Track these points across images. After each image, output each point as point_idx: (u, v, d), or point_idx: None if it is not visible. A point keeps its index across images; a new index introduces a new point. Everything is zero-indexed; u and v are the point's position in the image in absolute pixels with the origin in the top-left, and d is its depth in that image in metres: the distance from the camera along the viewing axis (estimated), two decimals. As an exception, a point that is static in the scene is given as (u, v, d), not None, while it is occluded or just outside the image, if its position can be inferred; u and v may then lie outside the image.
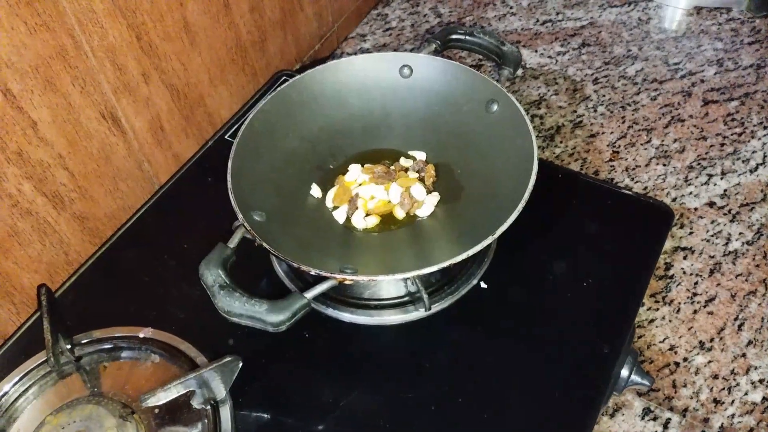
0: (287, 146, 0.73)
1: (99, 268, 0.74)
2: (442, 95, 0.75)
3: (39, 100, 0.67)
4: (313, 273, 0.58)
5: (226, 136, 0.87)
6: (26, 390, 0.63)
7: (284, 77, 0.92)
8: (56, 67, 0.67)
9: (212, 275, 0.58)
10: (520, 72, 1.16)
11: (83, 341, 0.65)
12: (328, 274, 0.58)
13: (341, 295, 0.69)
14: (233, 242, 0.61)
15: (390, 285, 0.69)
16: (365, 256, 0.67)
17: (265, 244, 0.59)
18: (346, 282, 0.61)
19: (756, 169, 1.03)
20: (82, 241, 0.77)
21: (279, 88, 0.74)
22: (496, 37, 0.79)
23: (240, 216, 0.61)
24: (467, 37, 0.80)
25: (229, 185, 0.64)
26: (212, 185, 0.79)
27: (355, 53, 1.18)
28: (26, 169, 0.68)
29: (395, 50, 1.19)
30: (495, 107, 0.72)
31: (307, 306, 0.58)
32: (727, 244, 0.95)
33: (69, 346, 0.63)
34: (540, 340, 0.68)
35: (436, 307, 0.68)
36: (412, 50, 1.15)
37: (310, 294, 0.58)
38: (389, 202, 0.71)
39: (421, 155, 0.75)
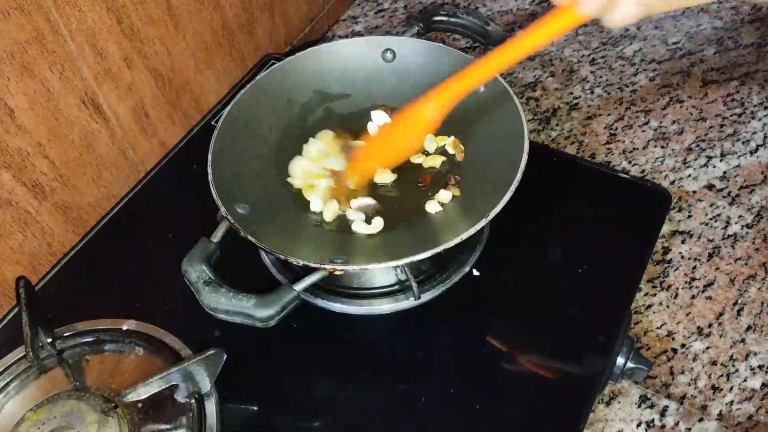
0: (269, 135, 0.71)
1: (82, 258, 0.73)
2: (427, 78, 0.72)
3: (15, 87, 0.65)
4: (301, 264, 0.56)
5: (213, 122, 0.84)
6: (6, 385, 0.61)
7: (273, 61, 0.90)
8: (33, 52, 0.65)
9: (196, 271, 0.56)
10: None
11: (65, 334, 0.64)
12: (318, 265, 0.57)
13: (329, 285, 0.67)
14: (216, 236, 0.60)
15: (380, 273, 0.67)
16: (354, 244, 0.65)
17: (250, 238, 0.57)
18: (336, 272, 0.59)
19: (756, 150, 1.01)
20: (65, 231, 0.75)
21: (258, 76, 0.72)
22: (480, 17, 0.77)
23: (222, 209, 0.59)
24: (450, 18, 0.78)
25: (210, 177, 0.62)
26: (198, 173, 0.77)
27: (347, 36, 1.16)
28: (4, 158, 0.66)
29: (387, 33, 1.16)
30: (482, 88, 0.70)
31: (297, 299, 0.56)
32: (726, 227, 0.93)
33: (50, 340, 0.62)
34: (534, 328, 0.66)
35: (427, 296, 0.66)
36: (403, 33, 1.13)
37: (299, 286, 0.57)
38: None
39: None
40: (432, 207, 0.66)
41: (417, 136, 0.64)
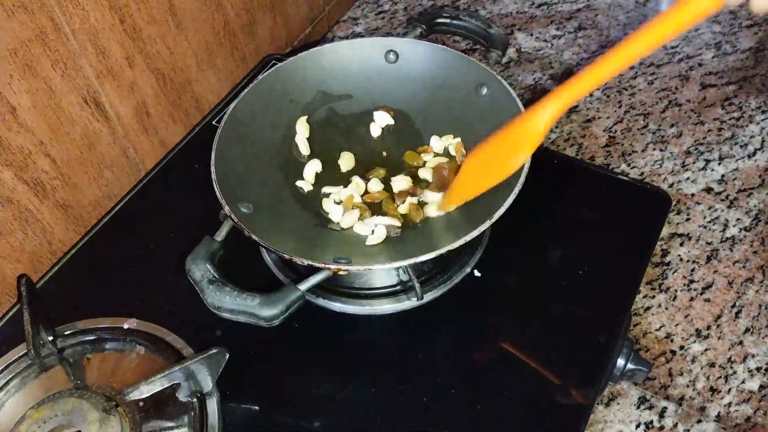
0: (271, 135, 0.71)
1: (83, 257, 0.72)
2: (430, 80, 0.73)
3: (18, 85, 0.65)
4: (305, 264, 0.56)
5: (213, 122, 0.85)
6: (7, 383, 0.61)
7: (274, 61, 0.90)
8: (36, 51, 0.65)
9: (200, 270, 0.56)
10: (515, 55, 1.14)
11: (66, 332, 0.64)
12: (322, 265, 0.57)
13: (332, 285, 0.67)
14: (220, 235, 0.60)
15: (382, 274, 0.67)
16: (358, 244, 0.65)
17: (254, 237, 0.57)
18: (341, 272, 0.59)
19: (754, 154, 1.01)
20: (66, 229, 0.75)
21: (260, 77, 0.72)
22: (483, 20, 0.77)
23: (226, 208, 0.59)
24: (453, 21, 0.78)
25: (214, 176, 0.62)
26: (199, 172, 0.77)
27: (347, 37, 1.16)
28: (6, 156, 0.66)
29: (388, 34, 1.17)
30: (485, 90, 0.70)
31: (302, 298, 0.56)
32: (724, 230, 0.93)
33: (51, 338, 0.62)
34: (535, 329, 0.67)
35: (428, 296, 0.66)
36: (405, 35, 1.13)
37: (304, 286, 0.57)
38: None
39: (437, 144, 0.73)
40: (430, 211, 0.67)
41: (526, 149, 0.55)
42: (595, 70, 0.48)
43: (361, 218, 0.66)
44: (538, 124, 0.52)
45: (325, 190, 0.69)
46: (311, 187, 0.70)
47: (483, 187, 0.60)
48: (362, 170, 0.71)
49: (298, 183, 0.70)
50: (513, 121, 0.55)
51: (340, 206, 0.67)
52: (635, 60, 0.46)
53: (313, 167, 0.70)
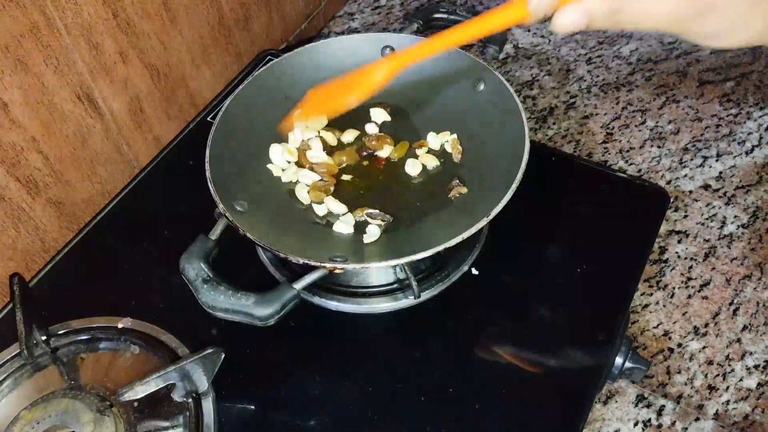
0: (267, 132, 0.70)
1: (76, 255, 0.72)
2: (427, 76, 0.72)
3: (9, 80, 0.64)
4: (301, 263, 0.56)
5: (208, 118, 0.84)
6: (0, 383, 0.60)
7: (269, 57, 0.89)
8: (28, 46, 0.64)
9: (194, 269, 0.56)
10: (512, 51, 1.14)
11: (59, 332, 0.63)
12: (318, 264, 0.56)
13: (328, 283, 0.67)
14: (215, 233, 0.59)
15: (379, 272, 0.67)
16: (354, 242, 0.64)
17: (249, 235, 0.57)
18: (337, 271, 0.59)
19: (752, 150, 1.01)
20: (59, 227, 0.74)
21: (256, 73, 0.71)
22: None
23: (221, 206, 0.59)
24: (450, 16, 0.78)
25: (208, 174, 0.61)
26: (194, 169, 0.76)
27: (343, 32, 1.15)
28: (-3, 152, 0.65)
29: (384, 29, 1.16)
30: (482, 86, 0.69)
31: (297, 297, 0.56)
32: (722, 227, 0.93)
33: (44, 338, 0.61)
34: (533, 327, 0.66)
35: (425, 295, 0.66)
36: (401, 30, 1.13)
37: (299, 285, 0.56)
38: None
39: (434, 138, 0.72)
40: (413, 169, 0.68)
41: (360, 94, 0.62)
42: (428, 45, 0.56)
43: (318, 200, 0.66)
44: (374, 79, 0.59)
45: (299, 176, 0.68)
46: (280, 172, 0.69)
47: (325, 111, 0.67)
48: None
49: (269, 166, 0.69)
50: (359, 71, 0.61)
51: (308, 194, 0.67)
52: (458, 44, 0.54)
53: (279, 150, 0.69)
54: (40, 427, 0.54)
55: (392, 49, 0.74)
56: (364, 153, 0.71)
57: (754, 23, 0.42)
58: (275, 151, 0.69)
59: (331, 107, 0.65)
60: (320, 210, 0.66)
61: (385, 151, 0.70)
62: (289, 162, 0.70)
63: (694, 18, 0.42)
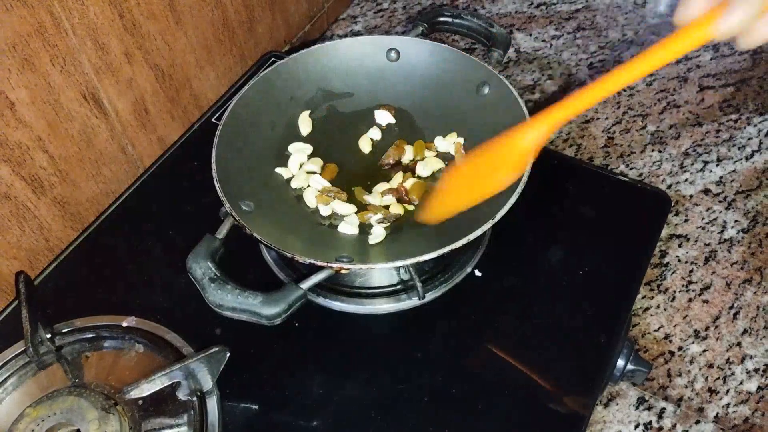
0: (272, 133, 0.71)
1: (81, 254, 0.72)
2: (431, 78, 0.73)
3: (17, 80, 0.64)
4: (308, 263, 0.56)
5: (212, 119, 0.84)
6: (4, 381, 0.60)
7: (273, 59, 0.90)
8: (35, 46, 0.65)
9: (201, 268, 0.56)
10: (513, 55, 1.14)
11: (64, 330, 0.63)
12: (324, 264, 0.56)
13: (332, 284, 0.67)
14: (221, 233, 0.59)
15: (383, 273, 0.67)
16: (359, 243, 0.65)
17: (256, 235, 0.57)
18: (342, 271, 0.59)
19: (752, 155, 1.01)
20: (64, 226, 0.75)
21: (261, 74, 0.71)
22: (485, 19, 0.77)
23: (227, 206, 0.59)
24: (454, 20, 0.78)
25: (215, 174, 0.61)
26: (198, 169, 0.77)
27: (346, 35, 1.16)
28: (3, 151, 0.65)
29: (387, 32, 1.16)
30: (486, 90, 0.70)
31: (303, 297, 0.56)
32: (722, 231, 0.94)
33: (49, 336, 0.61)
34: (535, 329, 0.66)
35: (429, 296, 0.66)
36: (403, 33, 1.13)
37: (305, 285, 0.56)
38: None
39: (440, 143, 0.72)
40: (425, 170, 0.68)
41: (516, 167, 0.53)
42: (590, 92, 0.48)
43: (324, 202, 0.66)
44: (530, 144, 0.50)
45: (310, 181, 0.68)
46: (291, 174, 0.69)
47: (466, 203, 0.57)
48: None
49: (278, 170, 0.69)
50: (503, 137, 0.52)
51: (315, 198, 0.67)
52: (630, 83, 0.47)
53: (297, 157, 0.69)
54: (44, 424, 0.55)
55: (397, 51, 0.74)
56: (386, 167, 0.71)
57: None
58: (296, 149, 0.70)
59: (475, 195, 0.55)
60: (325, 211, 0.66)
61: (408, 155, 0.70)
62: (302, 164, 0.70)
63: None
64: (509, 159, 0.51)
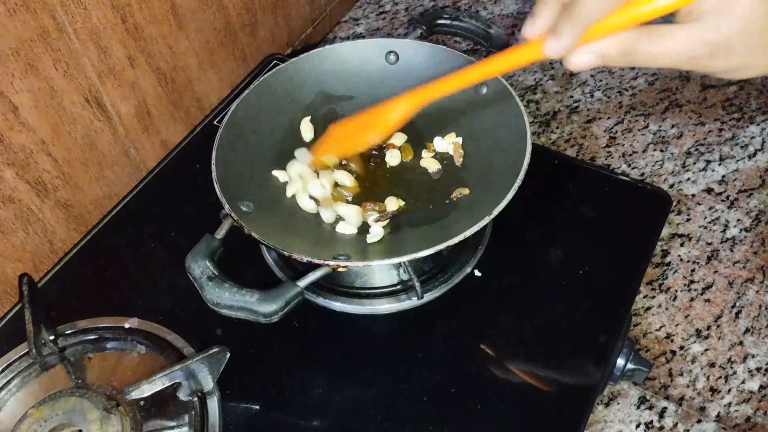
0: (272, 136, 0.71)
1: (84, 256, 0.72)
2: (430, 80, 0.73)
3: (20, 84, 0.65)
4: (305, 261, 0.56)
5: (215, 122, 0.85)
6: (8, 382, 0.61)
7: (275, 61, 0.90)
8: (38, 50, 0.65)
9: (199, 267, 0.56)
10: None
11: (67, 332, 0.64)
12: (321, 262, 0.57)
13: (332, 284, 0.67)
14: (220, 233, 0.60)
15: (382, 273, 0.67)
16: (357, 241, 0.65)
17: (254, 235, 0.58)
18: (340, 269, 0.59)
19: (754, 155, 1.01)
20: (67, 229, 0.75)
21: (262, 77, 0.72)
22: (483, 21, 0.77)
23: (227, 206, 0.60)
24: (453, 22, 0.78)
25: (214, 175, 0.62)
26: (200, 172, 0.77)
27: (348, 38, 1.16)
28: (7, 155, 0.66)
29: (389, 34, 1.17)
30: (484, 89, 0.70)
31: (300, 295, 0.56)
32: (724, 230, 0.93)
33: (52, 337, 0.62)
34: (535, 329, 0.67)
35: (428, 296, 0.66)
36: (405, 35, 1.14)
37: (302, 282, 0.57)
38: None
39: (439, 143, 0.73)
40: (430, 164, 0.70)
41: (381, 132, 0.63)
42: (448, 81, 0.55)
43: (324, 205, 0.67)
44: (394, 117, 0.59)
45: (308, 187, 0.68)
46: (287, 178, 0.69)
47: (343, 150, 0.67)
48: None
49: (274, 173, 0.69)
50: (374, 108, 0.61)
51: (312, 201, 0.67)
52: (478, 81, 0.54)
53: (297, 166, 0.70)
54: (47, 425, 0.55)
55: (396, 54, 0.74)
56: (371, 163, 0.71)
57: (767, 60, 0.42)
58: (301, 154, 0.70)
59: (350, 145, 0.66)
60: (328, 217, 0.66)
61: (395, 158, 0.71)
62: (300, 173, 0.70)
63: (708, 57, 0.41)
64: (379, 123, 0.61)
